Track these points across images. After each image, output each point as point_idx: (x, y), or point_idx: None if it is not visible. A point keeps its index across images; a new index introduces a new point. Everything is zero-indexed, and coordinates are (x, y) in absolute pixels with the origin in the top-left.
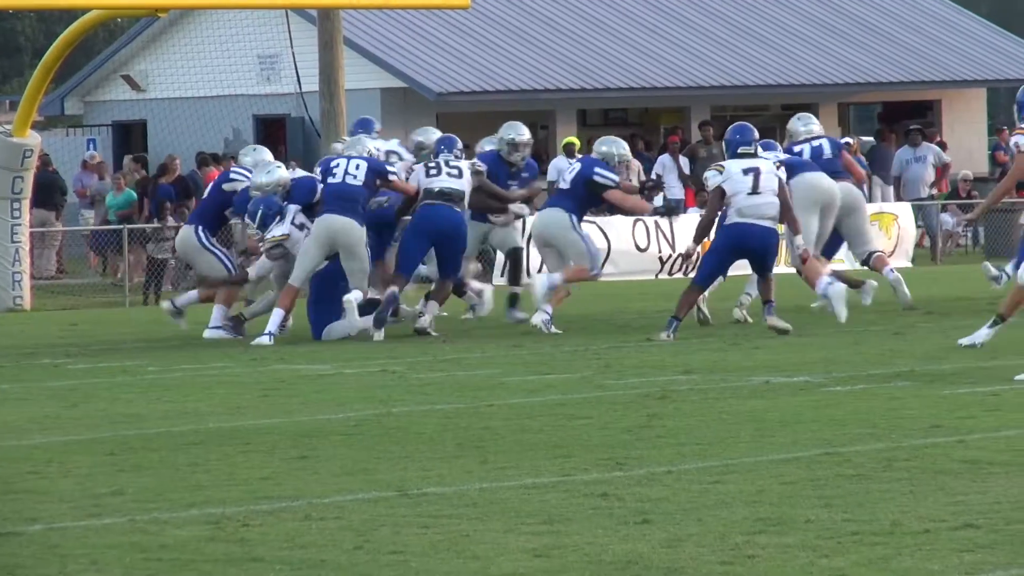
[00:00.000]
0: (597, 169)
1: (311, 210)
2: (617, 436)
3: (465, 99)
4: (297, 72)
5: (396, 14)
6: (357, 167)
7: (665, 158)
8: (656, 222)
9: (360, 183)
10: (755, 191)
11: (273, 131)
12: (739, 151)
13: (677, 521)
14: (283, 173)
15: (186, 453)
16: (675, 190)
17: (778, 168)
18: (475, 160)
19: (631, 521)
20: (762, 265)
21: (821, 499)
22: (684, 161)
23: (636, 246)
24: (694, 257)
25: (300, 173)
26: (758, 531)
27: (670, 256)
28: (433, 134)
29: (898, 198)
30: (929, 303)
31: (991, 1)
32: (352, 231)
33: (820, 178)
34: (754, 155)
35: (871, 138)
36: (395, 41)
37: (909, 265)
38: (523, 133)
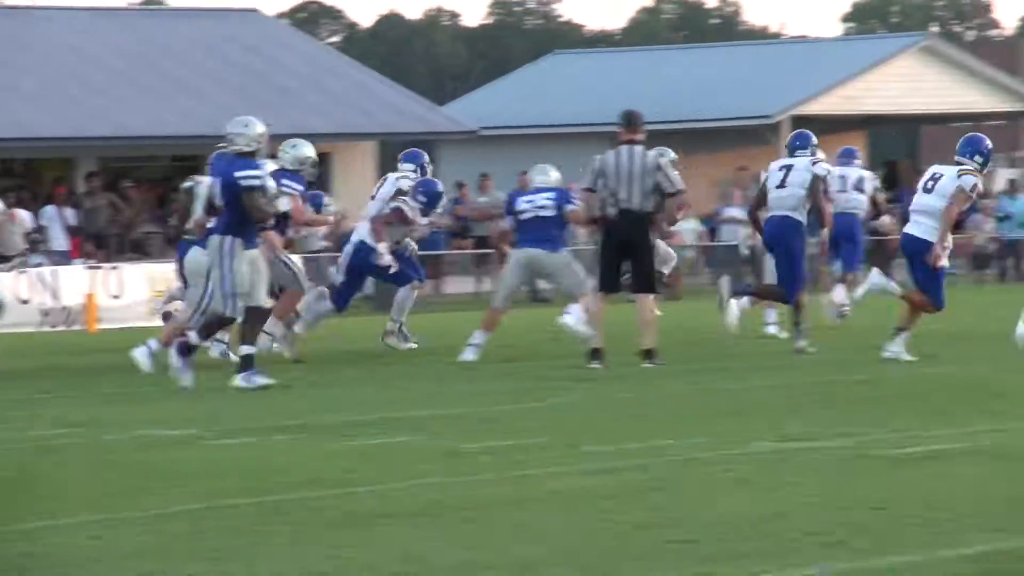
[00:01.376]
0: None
1: None
2: None
3: None
4: None
5: None
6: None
7: (50, 209)
8: (38, 274)
9: None
10: (782, 185)
11: None
12: (795, 154)
13: None
14: None
15: None
16: (60, 241)
17: (814, 165)
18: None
19: None
20: (783, 255)
21: (205, 552)
22: (70, 212)
23: (18, 298)
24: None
25: None
26: None
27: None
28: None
29: None
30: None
31: (382, 54)
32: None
33: None
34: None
35: None
36: None
37: None
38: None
